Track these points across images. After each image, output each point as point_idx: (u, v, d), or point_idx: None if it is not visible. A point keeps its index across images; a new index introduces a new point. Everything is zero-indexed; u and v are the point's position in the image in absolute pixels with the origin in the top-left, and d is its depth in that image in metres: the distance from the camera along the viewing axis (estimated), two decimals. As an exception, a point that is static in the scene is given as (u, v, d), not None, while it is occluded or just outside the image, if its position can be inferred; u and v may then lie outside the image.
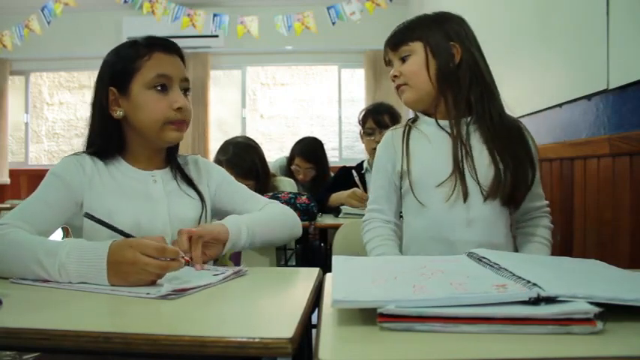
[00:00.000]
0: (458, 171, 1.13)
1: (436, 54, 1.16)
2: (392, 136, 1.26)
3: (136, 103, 1.09)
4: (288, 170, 2.92)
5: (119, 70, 1.10)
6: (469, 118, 1.16)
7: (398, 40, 1.21)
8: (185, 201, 1.17)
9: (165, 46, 1.12)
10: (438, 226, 1.15)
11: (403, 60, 1.20)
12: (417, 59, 1.17)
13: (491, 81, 1.18)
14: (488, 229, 1.14)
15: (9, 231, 0.92)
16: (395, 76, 1.21)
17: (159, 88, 1.09)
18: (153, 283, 0.82)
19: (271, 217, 1.20)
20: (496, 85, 1.19)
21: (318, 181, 2.83)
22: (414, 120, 1.26)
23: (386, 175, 1.25)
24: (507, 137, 1.15)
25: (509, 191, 1.12)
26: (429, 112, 1.22)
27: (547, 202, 1.26)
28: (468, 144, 1.15)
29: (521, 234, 1.25)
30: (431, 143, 1.19)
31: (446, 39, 1.16)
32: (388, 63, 1.26)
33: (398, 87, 1.22)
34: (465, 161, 1.14)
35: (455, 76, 1.15)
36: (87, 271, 0.83)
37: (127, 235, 0.92)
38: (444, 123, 1.18)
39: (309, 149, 2.87)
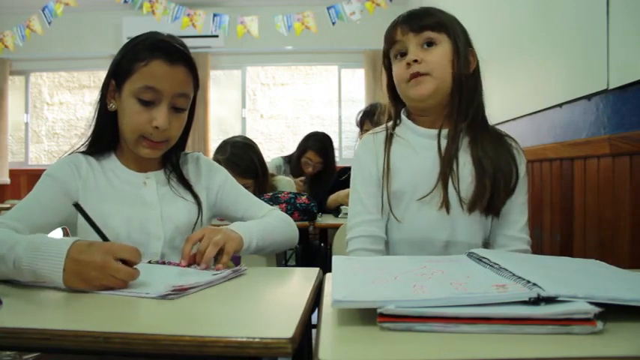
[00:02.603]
0: (443, 184, 1.08)
1: (460, 55, 1.08)
2: (373, 140, 1.17)
3: (122, 106, 1.07)
4: (297, 165, 2.94)
5: (120, 65, 1.07)
6: (461, 125, 1.11)
7: (423, 23, 1.08)
8: (179, 204, 1.14)
9: (169, 54, 1.04)
10: (416, 239, 1.11)
11: (426, 46, 1.09)
12: (444, 51, 1.08)
13: (482, 94, 1.14)
14: (468, 238, 1.10)
15: None
16: (415, 61, 1.07)
17: (144, 100, 1.04)
18: (114, 289, 0.76)
19: (276, 226, 1.16)
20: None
21: (321, 178, 2.84)
22: (395, 125, 1.17)
23: (371, 180, 1.14)
24: (492, 145, 1.10)
25: (489, 198, 1.06)
26: (427, 111, 1.13)
27: (529, 239, 1.12)
28: (456, 154, 1.10)
29: None
30: (416, 154, 1.12)
31: (467, 43, 1.11)
32: (394, 43, 1.12)
33: (416, 75, 1.08)
34: (450, 173, 1.08)
35: (467, 83, 1.10)
36: (41, 267, 0.76)
37: (104, 238, 0.87)
38: (430, 133, 1.12)
39: (322, 144, 2.91)
